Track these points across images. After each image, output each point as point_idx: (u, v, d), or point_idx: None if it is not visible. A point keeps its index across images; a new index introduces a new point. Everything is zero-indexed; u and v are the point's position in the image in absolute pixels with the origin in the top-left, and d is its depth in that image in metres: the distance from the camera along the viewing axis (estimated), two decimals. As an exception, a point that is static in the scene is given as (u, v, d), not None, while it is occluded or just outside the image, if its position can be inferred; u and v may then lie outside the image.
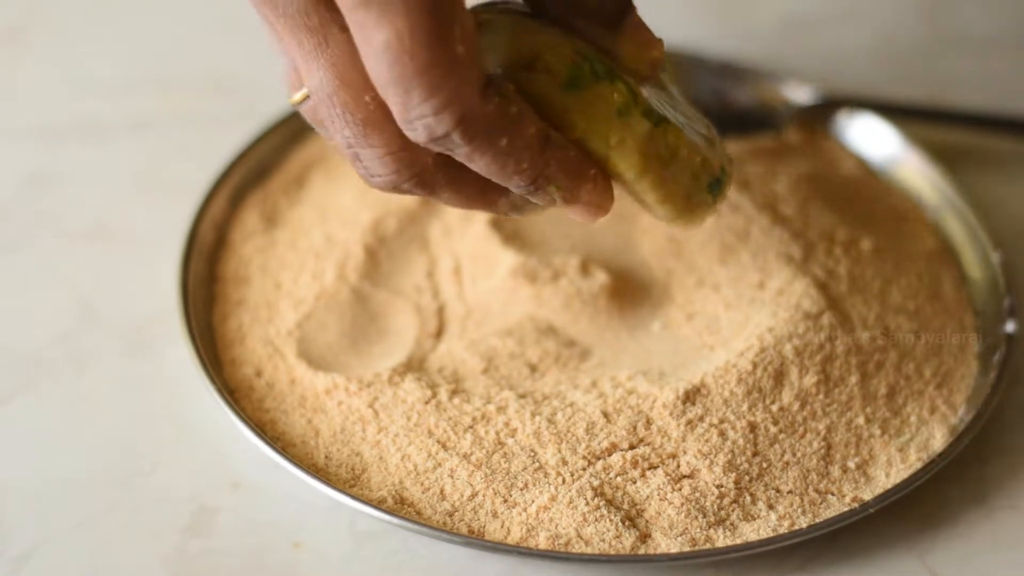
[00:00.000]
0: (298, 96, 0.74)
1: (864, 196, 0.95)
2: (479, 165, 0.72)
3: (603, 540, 0.77)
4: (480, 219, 0.89)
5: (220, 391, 0.81)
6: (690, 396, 0.81)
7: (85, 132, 1.00)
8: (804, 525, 0.78)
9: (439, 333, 0.86)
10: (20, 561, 0.77)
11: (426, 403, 0.81)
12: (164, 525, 0.79)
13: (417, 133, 0.70)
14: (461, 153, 0.71)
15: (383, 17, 0.67)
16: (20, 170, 0.97)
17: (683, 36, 1.05)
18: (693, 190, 0.78)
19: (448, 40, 0.68)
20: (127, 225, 0.93)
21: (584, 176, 0.75)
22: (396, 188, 0.74)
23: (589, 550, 0.77)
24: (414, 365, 0.84)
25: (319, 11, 0.70)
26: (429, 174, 0.74)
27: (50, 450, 0.82)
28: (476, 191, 0.76)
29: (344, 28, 0.70)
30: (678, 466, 0.80)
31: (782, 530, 0.78)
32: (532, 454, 0.80)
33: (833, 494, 0.79)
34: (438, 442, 0.80)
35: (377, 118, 0.71)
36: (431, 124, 0.69)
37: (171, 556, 0.78)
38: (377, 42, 0.67)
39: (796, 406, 0.82)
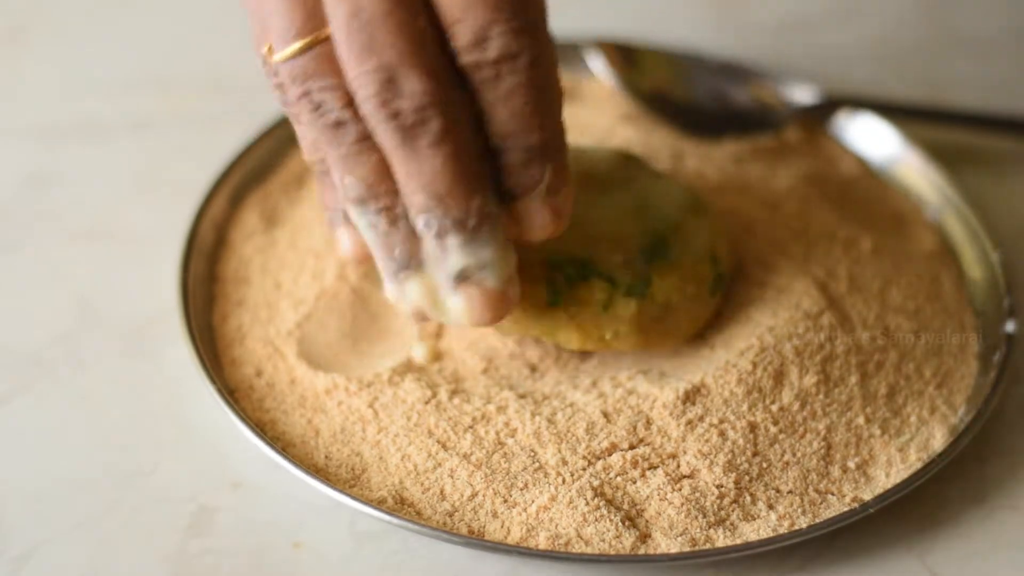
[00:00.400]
0: (299, 45, 0.74)
1: (864, 196, 0.95)
2: (514, 103, 0.74)
3: (603, 540, 0.77)
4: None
5: (220, 391, 0.81)
6: (690, 396, 0.81)
7: (85, 132, 1.00)
8: (804, 525, 0.78)
9: (439, 333, 0.86)
10: (20, 561, 0.77)
11: (426, 403, 0.81)
12: (164, 525, 0.79)
13: (487, 51, 0.73)
14: (510, 83, 0.73)
15: None
16: (20, 170, 0.97)
17: (683, 36, 1.05)
18: (698, 312, 0.84)
19: None
20: (127, 225, 0.93)
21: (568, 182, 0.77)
22: (424, 114, 0.73)
23: (589, 550, 0.77)
24: (414, 365, 0.84)
25: None
26: (453, 110, 0.74)
27: (50, 450, 0.82)
28: (460, 156, 0.75)
29: None
30: (678, 466, 0.80)
31: (782, 530, 0.78)
32: (532, 454, 0.80)
33: (833, 494, 0.79)
34: (438, 442, 0.80)
35: (427, 39, 0.73)
36: (508, 42, 0.72)
37: (171, 556, 0.78)
38: None
39: (796, 406, 0.82)
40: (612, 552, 0.76)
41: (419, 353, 0.84)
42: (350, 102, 0.74)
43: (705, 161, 0.92)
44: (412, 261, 0.77)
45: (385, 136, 0.74)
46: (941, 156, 0.96)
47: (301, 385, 0.83)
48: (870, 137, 0.98)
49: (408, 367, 0.83)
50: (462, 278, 0.76)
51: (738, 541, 0.77)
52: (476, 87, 0.74)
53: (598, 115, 0.96)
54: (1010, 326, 0.86)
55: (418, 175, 0.74)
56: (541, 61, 0.74)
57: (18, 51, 1.06)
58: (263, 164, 0.94)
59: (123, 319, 0.88)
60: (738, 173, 0.92)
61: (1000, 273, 0.89)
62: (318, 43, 0.74)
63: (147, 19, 1.09)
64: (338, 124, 0.75)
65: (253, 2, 0.76)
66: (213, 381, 0.81)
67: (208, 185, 0.91)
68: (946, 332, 0.87)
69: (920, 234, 0.93)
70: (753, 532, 0.77)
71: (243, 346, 0.85)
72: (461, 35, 0.73)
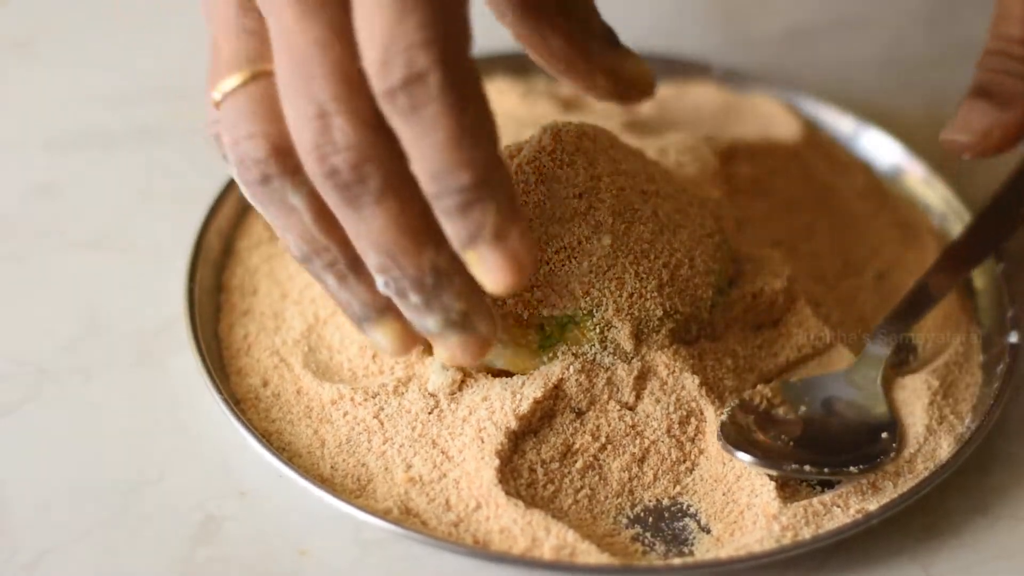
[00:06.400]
0: (239, 79, 0.70)
1: (871, 204, 0.95)
2: (435, 137, 0.66)
3: (608, 551, 0.77)
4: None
5: (226, 401, 0.81)
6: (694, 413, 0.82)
7: (92, 142, 1.00)
8: (807, 536, 0.78)
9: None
10: (28, 569, 0.77)
11: (429, 413, 0.81)
12: (171, 533, 0.79)
13: (391, 72, 0.66)
14: (427, 113, 0.66)
15: None
16: (28, 180, 0.97)
17: (689, 46, 1.05)
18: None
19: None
20: (134, 235, 0.94)
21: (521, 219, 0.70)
22: (359, 165, 0.68)
23: (594, 560, 0.77)
24: (418, 375, 0.84)
25: None
26: (392, 161, 0.68)
27: (57, 458, 0.82)
28: (405, 209, 0.70)
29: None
30: (682, 476, 0.80)
31: (785, 541, 0.77)
32: (536, 464, 0.80)
33: (838, 505, 0.79)
34: (442, 452, 0.80)
35: (366, 87, 0.67)
36: (414, 57, 0.66)
37: (178, 564, 0.78)
38: None
39: (800, 416, 0.82)
40: (617, 563, 0.76)
41: (437, 382, 0.82)
42: (278, 150, 0.71)
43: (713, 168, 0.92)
44: (372, 311, 0.74)
45: (326, 194, 0.70)
46: (944, 168, 0.96)
47: (307, 395, 0.83)
48: (874, 149, 0.98)
49: (411, 376, 0.83)
50: (436, 333, 0.74)
51: (741, 552, 0.77)
52: (395, 125, 0.68)
53: (603, 124, 0.96)
54: (1013, 337, 0.86)
55: (366, 234, 0.70)
56: (457, 81, 0.66)
57: (26, 62, 1.06)
58: (269, 174, 0.94)
59: (130, 329, 0.88)
60: (745, 180, 0.92)
61: (1003, 284, 0.89)
62: (263, 76, 0.71)
63: (153, 30, 1.09)
64: (264, 179, 0.72)
65: (212, 33, 0.74)
66: (219, 391, 0.81)
67: (214, 195, 0.91)
68: (951, 342, 0.87)
69: (926, 244, 0.93)
70: (756, 543, 0.77)
71: (249, 356, 0.85)
72: (367, 58, 0.66)
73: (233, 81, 0.71)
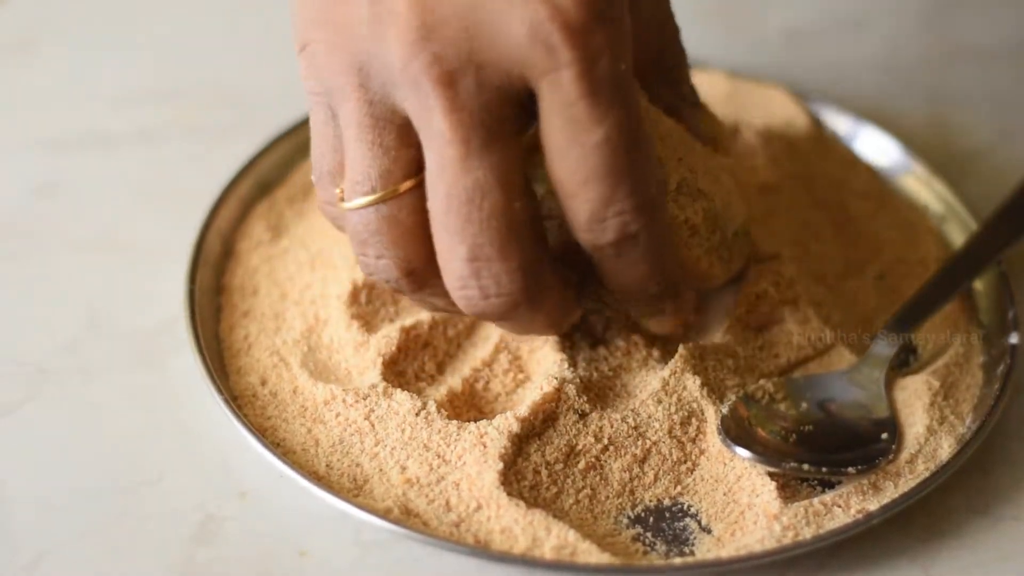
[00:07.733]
0: (373, 198, 0.72)
1: (872, 203, 0.95)
2: (632, 274, 0.74)
3: (609, 551, 0.77)
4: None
5: (227, 402, 0.81)
6: (694, 413, 0.81)
7: (93, 143, 1.00)
8: (808, 536, 0.78)
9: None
10: (27, 570, 0.77)
11: (416, 415, 0.81)
12: (171, 534, 0.79)
13: (604, 232, 0.71)
14: (629, 258, 0.72)
15: (609, 110, 0.68)
16: (28, 180, 0.97)
17: (690, 47, 1.05)
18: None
19: (650, 137, 0.71)
20: (134, 236, 0.94)
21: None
22: (509, 310, 0.72)
23: (595, 560, 0.77)
24: (406, 374, 0.84)
25: (503, 109, 0.69)
26: (544, 291, 0.73)
27: (57, 459, 0.82)
28: (553, 312, 0.76)
29: (514, 132, 0.70)
30: (683, 475, 0.80)
31: (786, 541, 0.77)
32: (537, 465, 0.80)
33: (839, 505, 0.79)
34: (438, 456, 0.80)
35: (521, 227, 0.70)
36: (627, 222, 0.70)
37: (178, 565, 0.78)
38: (597, 135, 0.68)
39: (801, 417, 0.82)
40: (618, 563, 0.76)
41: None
42: (409, 272, 0.73)
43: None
44: None
45: (466, 311, 0.73)
46: (944, 168, 0.96)
47: (302, 395, 0.83)
48: (874, 149, 0.98)
49: (399, 377, 0.83)
50: None
51: (742, 552, 0.77)
52: (592, 256, 0.73)
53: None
54: (1014, 338, 0.86)
55: (508, 327, 0.76)
56: (659, 231, 0.72)
57: (27, 62, 1.06)
58: (269, 175, 0.94)
59: (130, 329, 0.88)
60: (748, 178, 0.92)
61: (1004, 285, 0.89)
62: (392, 197, 0.72)
63: (155, 31, 1.09)
64: (396, 291, 0.76)
65: (323, 134, 0.75)
66: (220, 392, 0.81)
67: (215, 196, 0.91)
68: (951, 342, 0.87)
69: (926, 245, 0.93)
70: (757, 543, 0.77)
71: (249, 355, 0.85)
72: (576, 212, 0.71)
73: (365, 199, 0.73)
